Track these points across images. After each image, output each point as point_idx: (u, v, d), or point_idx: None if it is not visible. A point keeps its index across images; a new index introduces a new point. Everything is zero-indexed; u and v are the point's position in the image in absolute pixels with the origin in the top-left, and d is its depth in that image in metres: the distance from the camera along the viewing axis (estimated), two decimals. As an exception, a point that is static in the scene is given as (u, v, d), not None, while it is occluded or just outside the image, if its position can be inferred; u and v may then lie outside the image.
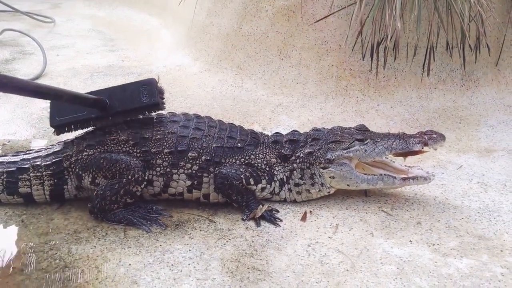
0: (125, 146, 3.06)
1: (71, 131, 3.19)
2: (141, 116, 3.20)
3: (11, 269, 2.53)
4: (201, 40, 5.81)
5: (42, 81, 5.59)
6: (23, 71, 5.92)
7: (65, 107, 3.11)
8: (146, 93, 3.10)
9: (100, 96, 3.05)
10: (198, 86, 5.34)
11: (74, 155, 3.10)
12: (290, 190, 3.25)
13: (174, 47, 6.40)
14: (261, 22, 5.14)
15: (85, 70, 5.95)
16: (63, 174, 3.11)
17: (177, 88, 5.33)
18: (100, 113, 3.10)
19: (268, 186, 3.20)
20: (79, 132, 3.25)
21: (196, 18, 5.91)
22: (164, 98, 3.23)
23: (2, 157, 3.20)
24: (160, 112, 3.27)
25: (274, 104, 4.87)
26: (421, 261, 2.62)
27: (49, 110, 3.17)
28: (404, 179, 3.22)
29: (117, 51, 6.99)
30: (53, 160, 3.10)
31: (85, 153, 3.08)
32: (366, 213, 3.12)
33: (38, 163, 3.10)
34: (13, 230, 2.88)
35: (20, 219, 2.99)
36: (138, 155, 3.05)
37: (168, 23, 7.38)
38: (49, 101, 3.18)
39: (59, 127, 3.17)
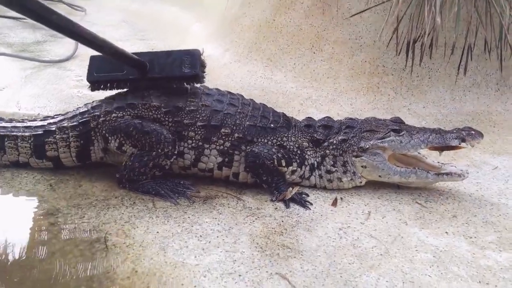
0: (156, 113, 3.01)
1: (106, 89, 3.14)
2: (178, 86, 3.14)
3: (38, 228, 2.50)
4: (232, 31, 5.80)
5: (73, 63, 5.65)
6: (54, 52, 5.99)
7: (104, 65, 3.07)
8: (188, 63, 3.02)
9: (141, 59, 2.99)
10: (227, 76, 5.31)
11: (102, 115, 3.04)
12: (321, 176, 3.17)
13: (205, 38, 6.40)
14: (295, 15, 5.12)
15: (115, 55, 5.96)
16: (89, 135, 3.06)
17: (206, 77, 5.30)
18: (138, 75, 3.04)
19: (299, 169, 3.13)
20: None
21: (229, 9, 5.91)
22: (205, 72, 3.16)
23: (31, 122, 3.19)
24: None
25: (303, 97, 4.81)
26: (458, 252, 2.51)
27: (88, 65, 3.15)
28: (437, 174, 3.12)
29: (147, 40, 7.03)
30: (80, 121, 3.06)
31: (113, 114, 3.03)
32: (400, 203, 3.03)
33: (64, 124, 3.07)
34: (41, 193, 2.85)
35: (48, 183, 2.97)
36: (170, 124, 3.00)
37: (199, 17, 7.41)
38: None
39: (94, 83, 3.12)
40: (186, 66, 3.02)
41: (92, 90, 3.16)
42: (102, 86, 3.12)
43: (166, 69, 3.05)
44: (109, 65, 3.05)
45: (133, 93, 3.11)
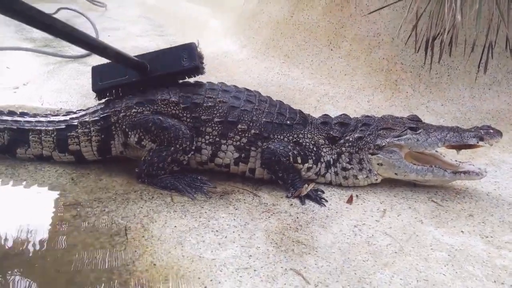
0: (174, 109, 3.08)
1: (112, 96, 3.26)
2: (181, 81, 3.23)
3: (60, 221, 2.58)
4: (250, 27, 5.83)
5: (93, 58, 5.73)
6: (76, 48, 6.07)
7: (106, 72, 3.18)
8: (187, 57, 3.10)
9: (141, 60, 3.09)
10: (244, 72, 5.35)
11: (122, 111, 3.12)
12: (336, 173, 3.18)
13: (222, 34, 6.45)
14: (313, 11, 5.11)
15: (135, 51, 5.99)
16: (110, 129, 3.14)
17: (223, 73, 5.36)
18: (141, 77, 3.13)
19: (314, 166, 3.15)
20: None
21: (246, 6, 5.94)
22: (203, 63, 3.23)
23: (54, 117, 3.28)
24: (210, 82, 3.28)
25: (320, 94, 4.82)
26: (474, 251, 2.50)
27: (91, 75, 3.27)
28: (454, 173, 3.11)
29: (165, 36, 7.11)
30: (101, 116, 3.14)
31: (133, 110, 3.10)
32: (415, 201, 3.03)
33: (86, 119, 3.16)
34: (63, 186, 2.94)
35: (70, 177, 3.05)
36: (188, 120, 3.06)
37: (217, 12, 7.46)
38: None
39: (101, 91, 3.25)
40: (184, 60, 3.11)
41: (99, 99, 3.28)
42: (108, 94, 3.25)
43: (166, 66, 3.14)
44: (111, 72, 3.18)
45: (153, 89, 3.17)
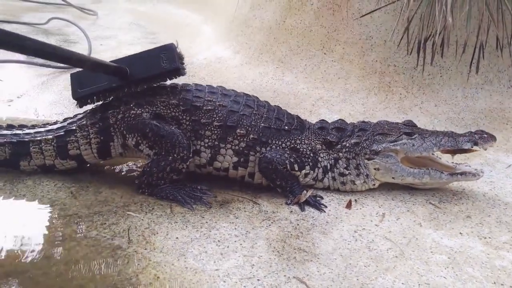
0: (174, 111, 3.09)
1: (94, 103, 3.23)
2: (165, 82, 3.21)
3: (61, 236, 2.58)
4: (242, 33, 5.85)
5: (87, 68, 5.72)
6: (69, 58, 6.07)
7: (85, 79, 3.13)
8: (166, 59, 3.05)
9: (120, 65, 3.04)
10: (239, 78, 5.37)
11: (121, 112, 3.12)
12: (334, 178, 3.21)
13: (215, 40, 6.46)
14: (305, 16, 5.15)
15: (128, 59, 6.04)
16: (109, 131, 3.14)
17: (217, 79, 5.37)
18: (121, 82, 3.08)
19: (311, 172, 3.17)
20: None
21: (238, 11, 5.96)
22: (184, 63, 3.20)
23: (52, 125, 3.29)
24: (210, 85, 3.30)
25: (315, 98, 4.85)
26: (472, 253, 2.54)
27: (70, 83, 3.21)
28: (451, 174, 3.15)
29: (158, 43, 7.01)
30: (100, 117, 3.15)
31: (132, 111, 3.10)
32: (413, 204, 3.06)
33: (84, 122, 3.16)
34: (62, 200, 2.93)
35: (69, 190, 3.05)
36: (187, 123, 3.08)
37: (209, 18, 7.47)
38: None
39: (81, 99, 3.19)
40: (164, 62, 3.06)
41: (80, 106, 3.24)
42: (89, 101, 3.20)
43: (146, 69, 3.09)
44: (90, 78, 3.11)
45: (152, 89, 3.18)
